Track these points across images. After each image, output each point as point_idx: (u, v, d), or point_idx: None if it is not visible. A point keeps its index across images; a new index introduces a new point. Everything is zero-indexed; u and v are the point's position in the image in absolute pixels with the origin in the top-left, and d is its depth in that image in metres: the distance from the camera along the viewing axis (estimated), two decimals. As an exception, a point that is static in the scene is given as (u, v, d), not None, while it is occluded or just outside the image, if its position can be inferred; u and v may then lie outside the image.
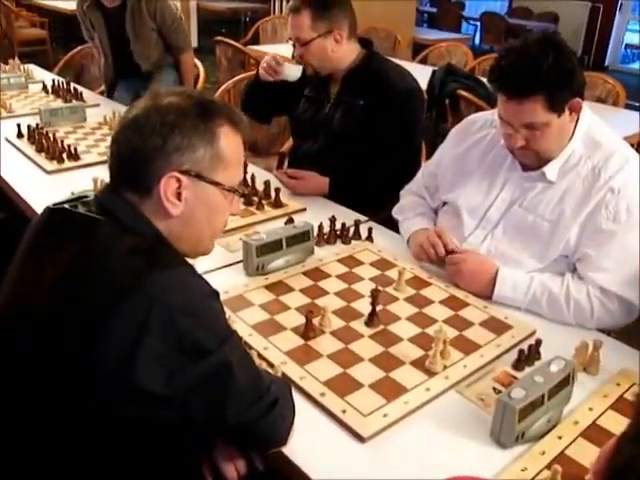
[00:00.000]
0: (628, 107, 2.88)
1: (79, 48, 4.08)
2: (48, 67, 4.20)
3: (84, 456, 0.99)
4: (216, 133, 1.04)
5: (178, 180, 1.02)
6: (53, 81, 3.34)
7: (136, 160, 1.01)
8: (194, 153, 1.02)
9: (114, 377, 0.91)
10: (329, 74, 2.23)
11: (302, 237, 1.66)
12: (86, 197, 1.09)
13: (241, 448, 1.12)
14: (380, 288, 1.46)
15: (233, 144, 1.07)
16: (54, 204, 1.09)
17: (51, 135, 2.45)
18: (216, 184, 1.06)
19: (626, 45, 9.72)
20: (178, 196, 1.03)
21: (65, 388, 0.95)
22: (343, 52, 2.15)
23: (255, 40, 5.80)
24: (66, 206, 1.06)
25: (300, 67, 2.18)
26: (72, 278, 0.98)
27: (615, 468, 0.62)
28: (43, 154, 2.38)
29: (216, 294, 1.03)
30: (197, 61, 3.62)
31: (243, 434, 1.05)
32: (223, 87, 3.24)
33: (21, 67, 3.70)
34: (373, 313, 1.42)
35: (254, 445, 1.11)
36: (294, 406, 1.11)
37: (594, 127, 1.58)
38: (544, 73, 1.41)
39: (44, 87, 3.35)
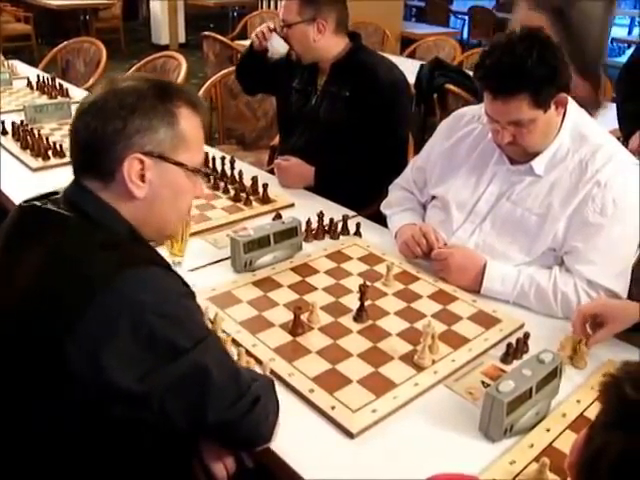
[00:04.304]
0: (614, 100, 2.89)
1: (64, 44, 4.05)
2: (33, 63, 4.16)
3: (68, 458, 0.98)
4: (175, 114, 1.04)
5: (141, 161, 1.01)
6: (38, 77, 3.31)
7: (97, 144, 1.01)
8: (155, 134, 1.02)
9: (86, 376, 0.90)
10: (317, 66, 2.25)
11: (290, 233, 1.65)
12: (56, 193, 1.08)
13: (227, 447, 1.12)
14: (368, 283, 1.46)
15: (193, 125, 1.07)
16: (24, 201, 1.08)
17: (36, 132, 2.43)
18: (179, 165, 1.05)
19: (612, 39, 9.74)
20: (142, 178, 1.02)
21: (41, 388, 0.93)
22: (326, 43, 2.17)
23: (243, 35, 5.77)
24: (36, 203, 1.05)
25: (287, 46, 2.23)
26: (41, 277, 0.96)
27: (588, 457, 0.63)
28: (28, 151, 2.36)
29: (191, 293, 1.02)
30: (180, 55, 3.60)
31: (227, 433, 1.04)
32: (210, 81, 3.23)
33: (5, 63, 3.65)
34: (362, 308, 1.42)
35: (239, 444, 1.10)
36: (278, 403, 1.11)
37: (581, 121, 1.59)
38: (528, 71, 1.41)
39: (29, 83, 3.31)
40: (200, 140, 1.11)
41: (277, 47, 2.24)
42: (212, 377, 0.96)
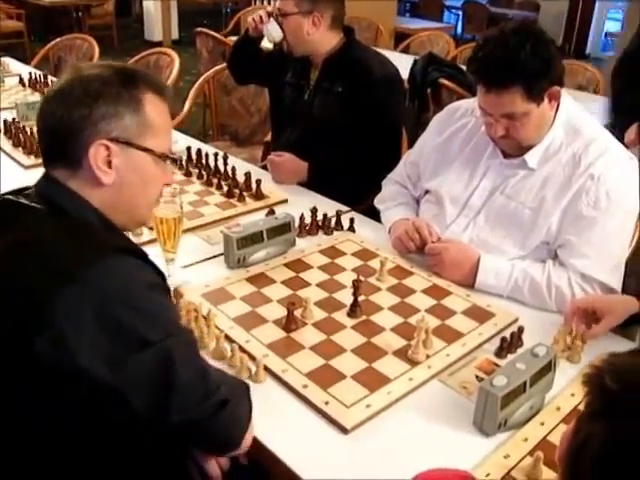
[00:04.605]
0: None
1: (57, 40, 4.03)
2: (25, 60, 4.14)
3: (61, 458, 0.97)
4: (141, 100, 1.04)
5: (107, 148, 1.01)
6: (30, 74, 3.29)
7: (63, 131, 1.01)
8: (121, 120, 1.02)
9: (61, 371, 0.89)
10: (309, 60, 2.24)
11: (283, 228, 1.65)
12: (30, 187, 1.08)
13: (198, 450, 1.10)
14: (362, 278, 1.45)
15: (159, 111, 1.07)
16: (0, 194, 1.08)
17: (28, 129, 2.41)
18: (146, 150, 1.05)
19: (606, 33, 9.75)
20: (109, 164, 1.02)
21: (23, 387, 0.92)
22: (320, 38, 2.16)
23: (236, 31, 5.74)
24: (9, 197, 1.05)
25: (282, 34, 2.20)
26: (8, 270, 0.95)
27: (574, 448, 0.64)
28: (20, 149, 2.35)
29: (162, 286, 1.01)
30: (173, 52, 3.58)
31: (194, 435, 1.03)
32: (203, 77, 3.22)
33: (-3, 60, 3.63)
34: (355, 304, 1.41)
35: (208, 447, 1.09)
36: (251, 409, 1.07)
37: (574, 114, 1.58)
38: (522, 63, 1.41)
39: (21, 80, 3.29)
40: (167, 126, 1.11)
41: (272, 32, 2.20)
42: (177, 373, 0.94)
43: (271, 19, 2.21)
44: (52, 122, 1.02)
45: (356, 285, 1.40)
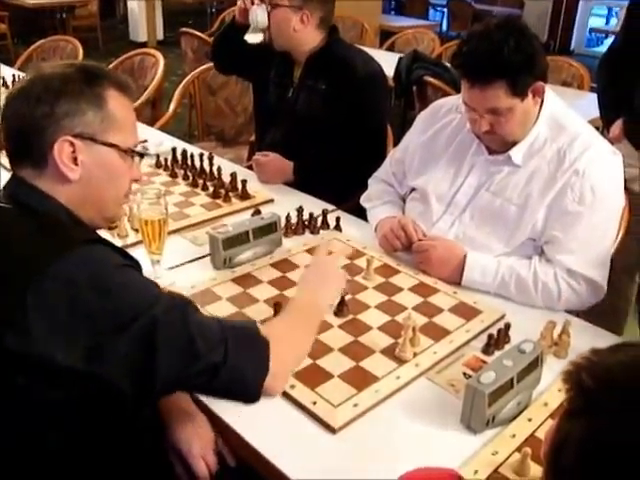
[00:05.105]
0: (593, 90, 2.91)
1: (40, 42, 4.00)
2: (9, 62, 4.10)
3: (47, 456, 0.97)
4: (103, 96, 1.05)
5: (72, 144, 1.02)
6: (13, 77, 3.25)
7: (27, 130, 1.01)
8: (83, 116, 1.02)
9: (36, 360, 0.89)
10: (292, 58, 2.23)
11: (269, 228, 1.64)
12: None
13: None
14: (349, 277, 1.45)
15: (123, 107, 1.08)
16: None
17: (11, 132, 2.39)
18: (111, 145, 1.06)
19: (591, 29, 9.81)
20: (74, 161, 1.03)
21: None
22: (305, 36, 2.14)
23: (221, 31, 5.72)
24: None
25: (267, 23, 2.17)
26: None
27: (555, 446, 0.64)
28: (4, 152, 2.32)
29: (130, 266, 1.00)
30: (157, 52, 3.56)
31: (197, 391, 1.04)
32: (189, 77, 3.20)
33: (-21, 63, 3.60)
34: (342, 303, 1.41)
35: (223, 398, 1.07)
36: (266, 353, 1.02)
37: (558, 110, 1.59)
38: (505, 58, 1.41)
39: (4, 83, 3.26)
40: (132, 121, 1.11)
41: (258, 17, 2.15)
42: (158, 342, 0.92)
43: (262, 5, 2.18)
44: (16, 121, 1.03)
45: (342, 284, 1.40)
